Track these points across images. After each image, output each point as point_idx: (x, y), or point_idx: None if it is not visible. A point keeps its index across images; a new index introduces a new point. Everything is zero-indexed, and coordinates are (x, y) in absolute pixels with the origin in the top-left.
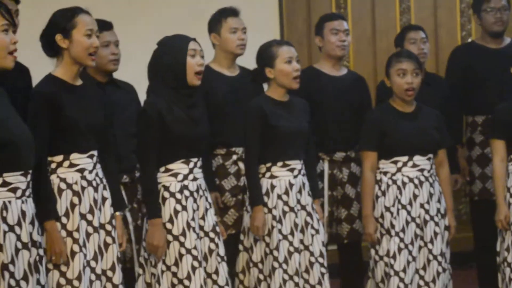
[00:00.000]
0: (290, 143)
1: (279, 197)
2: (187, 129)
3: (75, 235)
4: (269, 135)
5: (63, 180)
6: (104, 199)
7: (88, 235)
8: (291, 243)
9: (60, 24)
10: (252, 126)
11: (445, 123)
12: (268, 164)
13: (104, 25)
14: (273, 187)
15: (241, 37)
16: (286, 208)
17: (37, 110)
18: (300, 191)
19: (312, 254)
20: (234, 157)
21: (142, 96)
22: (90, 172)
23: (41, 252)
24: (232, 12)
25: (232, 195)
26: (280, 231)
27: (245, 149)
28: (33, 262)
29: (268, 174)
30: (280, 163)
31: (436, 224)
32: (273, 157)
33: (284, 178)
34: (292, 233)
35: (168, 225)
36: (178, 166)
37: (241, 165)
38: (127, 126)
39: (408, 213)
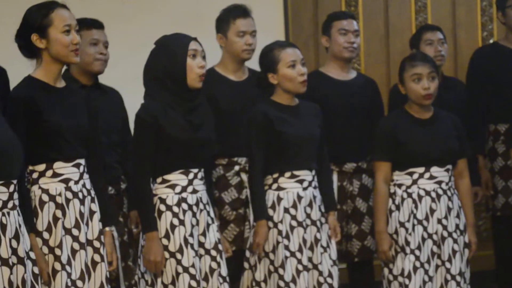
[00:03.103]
0: (299, 152)
1: (286, 210)
2: (185, 135)
3: (57, 252)
4: (275, 143)
5: (45, 191)
6: (92, 212)
7: (74, 252)
8: (299, 261)
9: (35, 22)
10: (255, 134)
11: (465, 131)
12: (275, 175)
13: (95, 24)
14: (279, 199)
15: (249, 41)
16: (294, 223)
17: (14, 115)
18: (310, 205)
19: (321, 273)
20: (236, 168)
21: (128, 102)
22: (76, 182)
23: (35, 269)
24: (242, 12)
25: (232, 209)
26: (287, 248)
27: (249, 158)
28: (20, 280)
29: (275, 186)
30: (288, 174)
31: (455, 241)
32: (280, 167)
33: (292, 190)
34: (300, 250)
35: (164, 241)
36: (176, 177)
37: (244, 176)
38: (111, 134)
39: (425, 229)
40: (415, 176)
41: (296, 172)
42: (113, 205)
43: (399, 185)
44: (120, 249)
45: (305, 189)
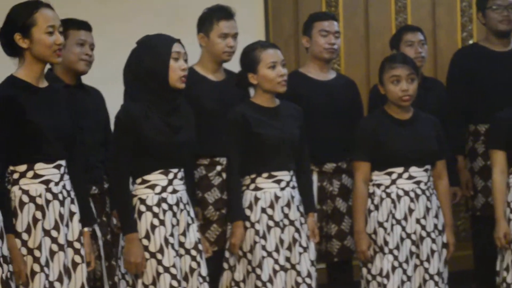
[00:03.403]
0: (277, 153)
1: (263, 210)
2: (165, 137)
3: (36, 253)
4: (252, 144)
5: (25, 192)
6: (71, 214)
7: (52, 253)
8: (276, 261)
9: (18, 22)
10: (233, 135)
11: (444, 131)
12: (253, 175)
13: (84, 25)
14: (257, 199)
15: (231, 44)
16: (271, 223)
17: None
18: (288, 205)
19: (299, 273)
20: (218, 168)
21: (112, 102)
22: (57, 184)
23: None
24: (225, 14)
25: (215, 209)
26: (264, 248)
27: (226, 159)
28: (4, 278)
29: (252, 186)
30: (265, 174)
31: (433, 241)
32: (258, 167)
33: (269, 190)
34: (277, 250)
35: (145, 241)
36: (156, 177)
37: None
38: (95, 134)
39: (403, 229)
40: (394, 176)
41: (274, 173)
42: (97, 204)
43: (378, 185)
44: (104, 248)
45: (282, 189)
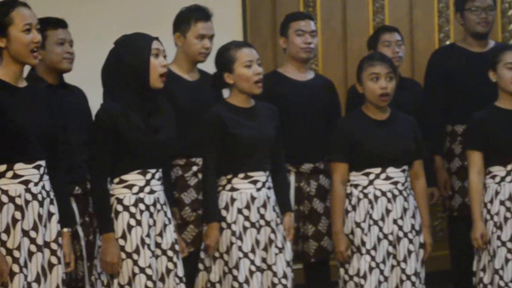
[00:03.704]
0: (253, 153)
1: (239, 211)
2: (144, 137)
3: (16, 253)
4: (229, 144)
5: (5, 192)
6: (50, 214)
7: (30, 254)
8: (252, 262)
9: None
10: (209, 135)
11: (421, 131)
12: (229, 176)
13: (59, 23)
14: (233, 200)
15: (207, 45)
16: (247, 224)
17: None
18: (264, 206)
19: (275, 274)
20: (194, 168)
21: (92, 101)
22: (36, 184)
23: None
24: (203, 15)
25: (192, 210)
26: (240, 249)
27: (202, 160)
28: None
29: (228, 187)
30: (241, 175)
31: (410, 241)
32: (234, 168)
33: (245, 191)
34: (253, 251)
35: (121, 241)
36: (134, 177)
37: None
38: (79, 133)
39: (380, 229)
40: (371, 176)
41: (250, 173)
42: (80, 204)
43: (356, 186)
44: (86, 248)
45: (258, 190)
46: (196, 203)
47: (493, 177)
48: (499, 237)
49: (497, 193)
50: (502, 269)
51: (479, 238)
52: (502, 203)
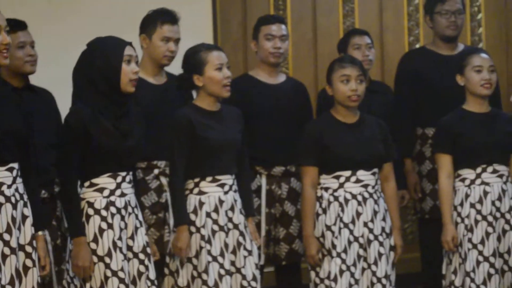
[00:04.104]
0: (221, 157)
1: (208, 215)
2: (114, 141)
3: None
4: (197, 147)
5: None
6: (24, 217)
7: (4, 257)
8: (221, 265)
9: None
10: (177, 138)
11: (391, 134)
12: (197, 180)
13: (18, 25)
14: (201, 204)
15: (172, 48)
16: (216, 227)
17: None
18: (232, 209)
19: (244, 277)
20: (156, 171)
21: (61, 104)
22: (9, 187)
23: None
24: (170, 18)
25: (152, 213)
26: (209, 252)
27: (170, 163)
28: None
29: (196, 190)
30: (209, 178)
31: (381, 244)
32: (202, 171)
33: (213, 195)
34: (222, 254)
35: (93, 245)
36: (104, 181)
37: (163, 180)
38: (47, 136)
39: (351, 232)
40: (342, 179)
41: (217, 177)
42: (46, 208)
43: (326, 189)
44: (54, 253)
45: (226, 193)
46: (157, 206)
47: (463, 180)
48: (470, 240)
49: (467, 195)
50: (473, 271)
51: (450, 241)
52: (472, 205)
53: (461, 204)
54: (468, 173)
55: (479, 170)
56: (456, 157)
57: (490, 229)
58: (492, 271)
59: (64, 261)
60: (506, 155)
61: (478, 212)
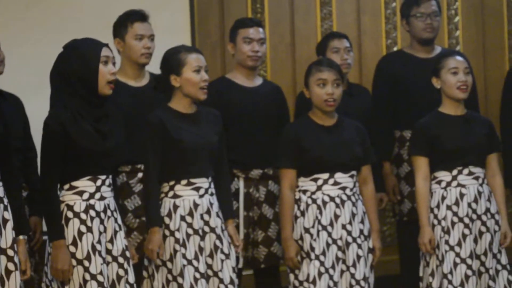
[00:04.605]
0: (195, 159)
1: (182, 218)
2: (93, 143)
3: None
4: (171, 150)
5: None
6: (5, 221)
7: None
8: (196, 269)
9: None
10: (150, 141)
11: (369, 137)
12: (171, 183)
13: None
14: (176, 207)
15: (147, 45)
16: (190, 231)
17: None
18: (208, 212)
19: (221, 281)
20: (140, 175)
21: (33, 107)
22: None
23: None
24: (139, 16)
25: (135, 216)
26: (184, 256)
27: (144, 165)
28: None
29: (171, 193)
30: (184, 181)
31: (359, 246)
32: (177, 174)
33: (188, 198)
34: (196, 258)
35: (72, 248)
36: (84, 184)
37: None
38: (13, 140)
39: (329, 234)
40: (320, 182)
41: (192, 180)
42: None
43: (304, 191)
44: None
45: (201, 196)
46: (140, 210)
47: (439, 182)
48: (447, 242)
49: (443, 198)
50: (451, 273)
51: (427, 243)
52: (448, 207)
53: (438, 206)
54: (444, 175)
55: (455, 172)
56: (432, 159)
57: (466, 231)
58: (469, 272)
59: (32, 266)
60: (481, 157)
61: (455, 214)
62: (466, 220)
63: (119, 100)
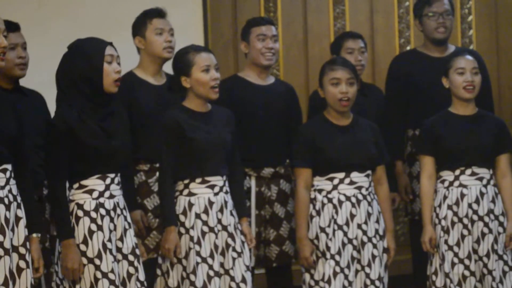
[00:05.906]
0: (210, 158)
1: (197, 216)
2: (101, 142)
3: None
4: (186, 149)
5: None
6: (18, 218)
7: None
8: (210, 267)
9: None
10: (165, 140)
11: (383, 137)
12: (186, 181)
13: (10, 26)
14: (191, 205)
15: (168, 39)
16: (206, 229)
17: None
18: (221, 210)
19: (233, 279)
20: (158, 173)
21: (51, 105)
22: (2, 188)
23: None
24: (157, 13)
25: (155, 216)
26: (198, 253)
27: (159, 164)
28: None
29: (186, 192)
30: (199, 180)
31: (374, 246)
32: (191, 173)
33: (203, 196)
34: (212, 256)
35: (82, 247)
36: (93, 182)
37: None
38: (35, 137)
39: (345, 234)
40: (336, 181)
41: (207, 178)
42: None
43: (320, 191)
44: (42, 255)
45: (216, 194)
46: (159, 209)
47: (443, 181)
48: (446, 241)
49: (445, 197)
50: (450, 273)
51: (428, 242)
52: (449, 207)
53: (440, 206)
54: (447, 175)
55: (457, 172)
56: (437, 158)
57: (465, 232)
58: (467, 273)
59: (52, 263)
60: (488, 158)
61: (455, 214)
62: (465, 220)
63: (138, 95)
